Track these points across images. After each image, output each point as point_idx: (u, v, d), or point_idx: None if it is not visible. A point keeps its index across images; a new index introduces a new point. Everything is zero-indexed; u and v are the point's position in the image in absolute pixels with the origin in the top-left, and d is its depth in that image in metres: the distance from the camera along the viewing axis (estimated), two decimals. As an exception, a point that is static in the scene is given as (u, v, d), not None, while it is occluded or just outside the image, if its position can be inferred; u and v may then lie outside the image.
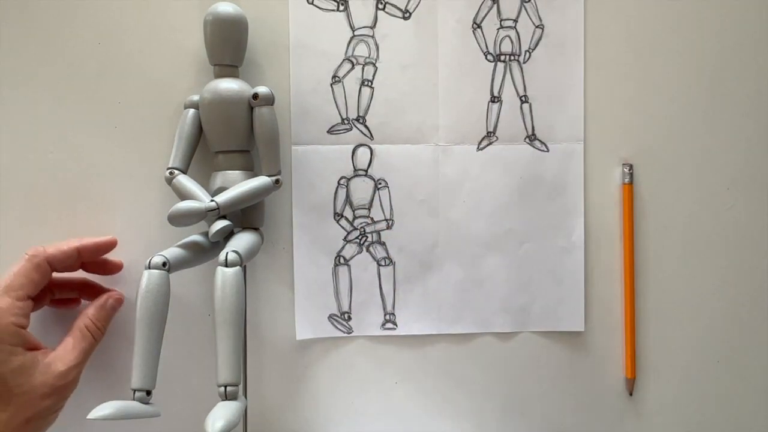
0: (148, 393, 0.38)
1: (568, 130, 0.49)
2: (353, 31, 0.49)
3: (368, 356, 0.49)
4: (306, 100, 0.47)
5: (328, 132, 0.49)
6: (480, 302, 0.49)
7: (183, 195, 0.43)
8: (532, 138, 0.49)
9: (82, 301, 0.47)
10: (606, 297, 0.50)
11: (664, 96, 0.50)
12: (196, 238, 0.43)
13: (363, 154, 0.49)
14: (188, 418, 0.47)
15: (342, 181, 0.49)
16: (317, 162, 0.49)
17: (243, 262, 0.40)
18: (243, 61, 0.46)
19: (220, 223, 0.42)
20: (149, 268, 0.39)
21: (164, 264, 0.39)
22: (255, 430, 0.48)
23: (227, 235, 0.44)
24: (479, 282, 0.49)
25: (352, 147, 0.49)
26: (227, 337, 0.38)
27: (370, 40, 0.49)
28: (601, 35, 0.49)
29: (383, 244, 0.49)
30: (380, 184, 0.49)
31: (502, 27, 0.49)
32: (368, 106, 0.49)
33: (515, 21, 0.49)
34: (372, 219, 0.49)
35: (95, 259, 0.45)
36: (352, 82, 0.49)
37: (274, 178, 0.45)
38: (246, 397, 0.47)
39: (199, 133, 0.45)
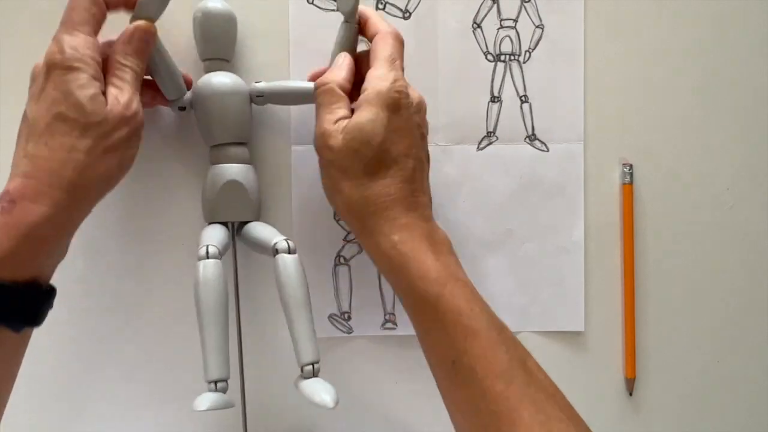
0: (227, 383, 0.39)
1: (568, 130, 0.49)
2: (353, 30, 0.48)
3: (368, 356, 0.49)
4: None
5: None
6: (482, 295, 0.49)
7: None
8: (532, 138, 0.49)
9: None
10: (606, 297, 0.50)
11: (664, 96, 0.50)
12: (218, 228, 0.44)
13: (363, 154, 0.49)
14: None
15: (342, 181, 0.49)
16: (313, 162, 0.48)
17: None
18: (233, 55, 0.46)
19: None
20: (207, 257, 0.40)
21: (219, 254, 0.40)
22: (254, 430, 0.48)
23: (240, 226, 0.45)
24: (479, 282, 0.48)
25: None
26: (304, 320, 0.41)
27: (370, 40, 0.49)
28: (601, 35, 0.49)
29: (383, 244, 0.49)
30: (380, 184, 0.49)
31: (502, 27, 0.49)
32: (367, 106, 0.49)
33: (515, 21, 0.49)
34: (372, 219, 0.49)
35: None
36: (351, 81, 0.49)
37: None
38: (245, 397, 0.47)
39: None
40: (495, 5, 0.49)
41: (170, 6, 0.46)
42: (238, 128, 0.45)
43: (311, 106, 0.48)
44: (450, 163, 0.49)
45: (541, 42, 0.49)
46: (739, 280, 0.51)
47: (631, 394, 0.50)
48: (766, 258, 0.51)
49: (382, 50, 0.42)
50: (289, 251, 0.41)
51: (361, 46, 0.45)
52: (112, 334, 0.49)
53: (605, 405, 0.50)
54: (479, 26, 0.49)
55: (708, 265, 0.51)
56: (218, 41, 0.45)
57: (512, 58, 0.49)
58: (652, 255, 0.50)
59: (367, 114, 0.40)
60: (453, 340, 0.38)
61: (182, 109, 0.45)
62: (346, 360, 0.49)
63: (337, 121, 0.41)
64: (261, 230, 0.44)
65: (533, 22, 0.49)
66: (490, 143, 0.49)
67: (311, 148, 0.48)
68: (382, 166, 0.40)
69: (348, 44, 0.44)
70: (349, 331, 0.49)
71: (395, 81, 0.40)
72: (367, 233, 0.41)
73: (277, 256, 0.41)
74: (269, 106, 0.47)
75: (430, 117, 0.48)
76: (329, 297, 0.49)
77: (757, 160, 0.50)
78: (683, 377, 0.51)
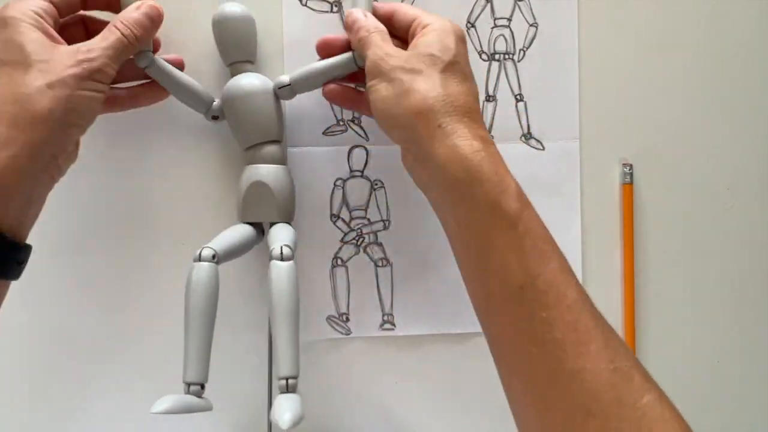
0: (202, 387, 0.39)
1: (564, 129, 0.49)
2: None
3: (367, 357, 0.49)
4: (300, 101, 0.47)
5: (323, 134, 0.49)
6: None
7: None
8: (527, 137, 0.49)
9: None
10: (606, 297, 0.50)
11: (664, 96, 0.50)
12: (240, 228, 0.44)
13: (359, 155, 0.49)
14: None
15: (338, 183, 0.49)
16: (313, 163, 0.49)
17: (294, 256, 0.41)
18: (256, 56, 0.46)
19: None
20: (199, 260, 0.40)
21: (213, 257, 0.40)
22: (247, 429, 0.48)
23: (262, 228, 0.45)
24: None
25: (347, 148, 0.49)
26: (287, 331, 0.39)
27: (364, 41, 0.48)
28: (595, 33, 0.49)
29: (380, 244, 0.49)
30: (376, 184, 0.49)
31: (496, 26, 0.49)
32: (361, 106, 0.49)
33: (509, 20, 0.49)
34: (369, 220, 0.49)
35: None
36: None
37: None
38: (271, 402, 0.46)
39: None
40: (488, 4, 0.49)
41: (189, 16, 0.46)
42: (270, 127, 0.44)
43: (306, 107, 0.48)
44: (446, 163, 0.49)
45: (535, 40, 0.49)
46: (739, 280, 0.51)
47: (630, 392, 0.51)
48: (766, 258, 0.51)
49: (408, 10, 0.42)
50: (282, 258, 0.40)
51: None
52: (119, 334, 0.48)
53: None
54: (473, 25, 0.49)
55: (708, 265, 0.51)
56: (240, 44, 0.45)
57: (506, 57, 0.49)
58: (652, 255, 0.50)
59: (436, 34, 0.40)
60: (527, 263, 0.35)
61: (215, 118, 0.45)
62: (345, 361, 0.49)
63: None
64: (274, 234, 0.43)
65: (527, 21, 0.49)
66: (486, 142, 0.49)
67: (308, 149, 0.49)
68: (456, 75, 0.39)
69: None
70: (348, 332, 0.49)
71: (449, 20, 0.41)
72: (445, 134, 0.37)
73: (270, 261, 0.41)
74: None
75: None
76: (327, 299, 0.49)
77: (757, 160, 0.51)
78: (683, 377, 0.51)
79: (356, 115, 0.49)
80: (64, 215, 0.47)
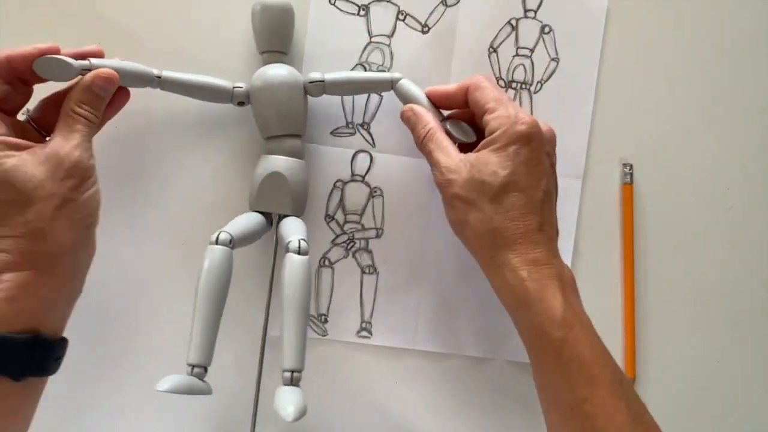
0: (205, 370, 0.39)
1: (569, 166, 0.49)
2: (370, 37, 0.49)
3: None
4: (314, 98, 0.47)
5: (331, 133, 0.49)
6: (460, 321, 0.49)
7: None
8: (532, 168, 0.49)
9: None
10: (606, 297, 0.50)
11: (664, 96, 0.50)
12: (253, 216, 0.44)
13: (363, 160, 0.49)
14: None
15: (338, 184, 0.49)
16: (316, 161, 0.49)
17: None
18: (290, 48, 0.46)
19: None
20: (216, 243, 0.40)
21: (230, 241, 0.40)
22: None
23: (275, 219, 0.45)
24: (480, 285, 0.49)
25: (352, 151, 0.49)
26: (297, 325, 0.39)
27: (386, 49, 0.49)
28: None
29: (370, 252, 0.49)
30: (375, 192, 0.49)
31: (517, 54, 0.49)
32: (374, 114, 0.49)
33: (531, 51, 0.49)
34: (362, 226, 0.49)
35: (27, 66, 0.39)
36: (362, 87, 0.49)
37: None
38: (259, 390, 0.46)
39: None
40: (514, 32, 0.49)
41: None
42: (293, 120, 0.45)
43: (318, 105, 0.48)
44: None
45: (554, 75, 0.49)
46: (739, 280, 0.51)
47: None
48: (766, 258, 0.51)
49: (485, 94, 0.42)
50: (299, 252, 0.41)
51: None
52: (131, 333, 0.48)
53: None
54: (495, 51, 0.49)
55: (708, 265, 0.51)
56: (275, 34, 0.45)
57: (524, 86, 0.49)
58: (652, 255, 0.50)
59: (496, 150, 0.40)
60: (574, 387, 0.37)
61: (241, 104, 0.45)
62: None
63: (452, 155, 0.42)
64: (288, 226, 0.43)
65: (549, 55, 0.49)
66: (490, 167, 0.49)
67: (312, 146, 0.49)
68: (509, 198, 0.40)
69: None
70: (324, 333, 0.49)
71: (518, 115, 0.40)
72: (495, 266, 0.40)
73: (286, 254, 0.41)
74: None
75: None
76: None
77: (757, 160, 0.50)
78: (683, 377, 0.50)
79: (366, 120, 0.49)
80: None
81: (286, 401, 0.37)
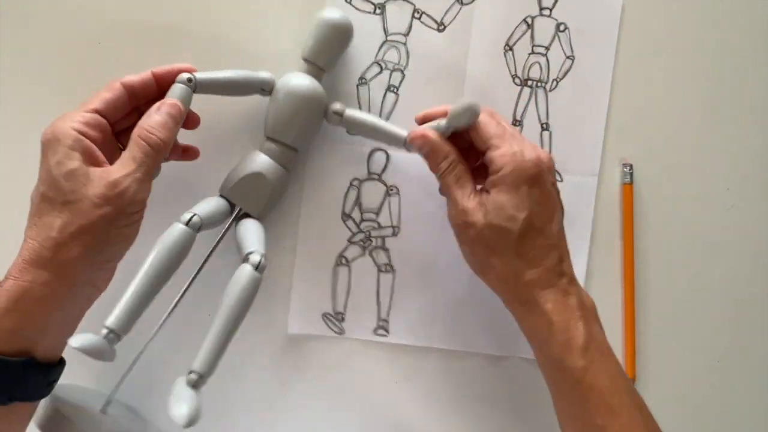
0: (119, 338, 0.37)
1: (584, 164, 0.50)
2: (386, 35, 0.49)
3: (357, 359, 0.49)
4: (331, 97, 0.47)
5: (348, 131, 0.49)
6: (477, 319, 0.49)
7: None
8: (548, 166, 0.50)
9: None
10: (606, 297, 0.50)
11: (664, 96, 0.50)
12: (222, 203, 0.44)
13: (379, 158, 0.49)
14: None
15: (354, 183, 0.49)
16: (333, 159, 0.49)
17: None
18: (333, 67, 0.47)
19: None
20: (186, 224, 0.39)
21: (198, 227, 0.40)
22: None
23: (238, 217, 0.44)
24: (480, 299, 0.49)
25: (369, 150, 0.49)
26: (223, 332, 0.38)
27: (402, 47, 0.49)
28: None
29: (387, 250, 0.49)
30: (392, 190, 0.49)
31: (533, 52, 0.49)
32: (391, 112, 0.49)
33: (547, 48, 0.49)
34: (379, 224, 0.49)
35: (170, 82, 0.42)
36: (378, 86, 0.49)
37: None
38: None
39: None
40: (529, 30, 0.49)
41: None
42: (298, 133, 0.45)
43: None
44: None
45: (569, 73, 0.49)
46: (739, 280, 0.51)
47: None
48: (766, 258, 0.51)
49: (489, 128, 0.42)
50: (257, 268, 0.39)
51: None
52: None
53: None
54: (511, 48, 0.49)
55: (708, 265, 0.51)
56: (323, 49, 0.45)
57: (539, 84, 0.50)
58: (652, 255, 0.50)
59: (507, 191, 0.40)
60: (593, 416, 0.38)
61: (265, 91, 0.45)
62: (334, 360, 0.49)
63: (470, 195, 0.41)
64: (252, 232, 0.43)
65: (564, 53, 0.49)
66: (506, 165, 0.49)
67: (330, 144, 0.49)
68: (530, 239, 0.40)
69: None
70: (341, 332, 0.49)
71: (523, 152, 0.40)
72: (519, 303, 0.41)
73: (243, 264, 0.39)
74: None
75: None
76: (326, 295, 0.49)
77: (757, 160, 0.51)
78: (683, 377, 0.51)
79: (383, 118, 0.49)
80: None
81: (181, 399, 0.35)
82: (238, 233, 0.43)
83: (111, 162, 0.39)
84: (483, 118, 0.42)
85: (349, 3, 0.48)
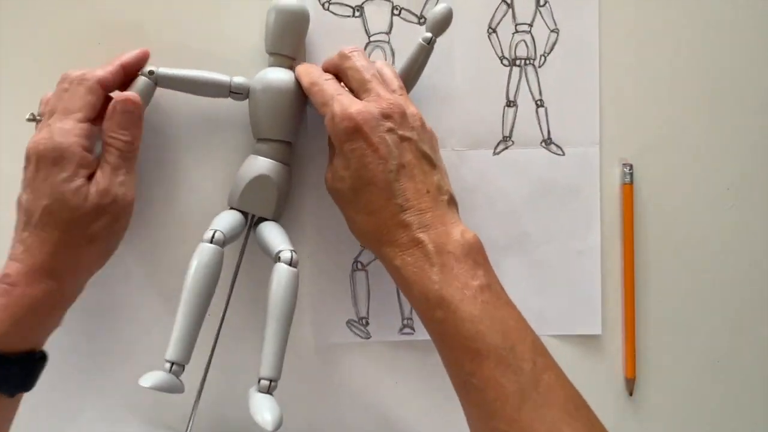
0: (183, 368, 0.39)
1: (584, 134, 0.50)
2: (369, 37, 0.49)
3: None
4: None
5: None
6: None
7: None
8: (548, 142, 0.50)
9: None
10: (606, 297, 0.50)
11: (664, 96, 0.50)
12: (237, 215, 0.44)
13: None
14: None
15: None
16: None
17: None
18: (300, 54, 0.47)
19: None
20: (211, 242, 0.40)
21: (223, 242, 0.41)
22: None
23: (258, 221, 0.45)
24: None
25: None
26: (279, 334, 0.39)
27: (386, 46, 0.49)
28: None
29: (401, 249, 0.49)
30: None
31: (517, 31, 0.49)
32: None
33: (530, 25, 0.49)
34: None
35: (136, 74, 0.44)
36: (368, 87, 0.49)
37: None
38: (203, 387, 0.45)
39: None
40: (510, 9, 0.49)
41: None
42: (287, 126, 0.45)
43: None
44: (466, 168, 0.49)
45: (556, 46, 0.49)
46: (739, 280, 0.51)
47: (631, 395, 0.50)
48: (766, 258, 0.51)
49: (315, 98, 0.42)
50: (291, 263, 0.41)
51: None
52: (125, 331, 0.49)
53: (605, 405, 0.50)
54: (494, 31, 0.49)
55: (708, 265, 0.51)
56: (286, 37, 0.45)
57: (528, 62, 0.49)
58: (652, 255, 0.50)
59: (337, 153, 0.41)
60: (461, 363, 0.37)
61: (239, 97, 0.45)
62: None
63: (331, 163, 0.43)
64: (274, 233, 0.43)
65: (548, 27, 0.49)
66: (506, 148, 0.50)
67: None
68: (363, 196, 0.40)
69: (420, 68, 0.45)
70: (367, 336, 0.49)
71: (343, 111, 0.39)
72: (381, 260, 0.41)
73: (277, 264, 0.41)
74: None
75: (447, 122, 0.49)
76: (347, 303, 0.49)
77: (757, 160, 0.51)
78: (683, 377, 0.51)
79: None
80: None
81: (263, 408, 0.37)
82: (259, 239, 0.44)
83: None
84: (308, 88, 0.43)
85: (327, 10, 0.48)
